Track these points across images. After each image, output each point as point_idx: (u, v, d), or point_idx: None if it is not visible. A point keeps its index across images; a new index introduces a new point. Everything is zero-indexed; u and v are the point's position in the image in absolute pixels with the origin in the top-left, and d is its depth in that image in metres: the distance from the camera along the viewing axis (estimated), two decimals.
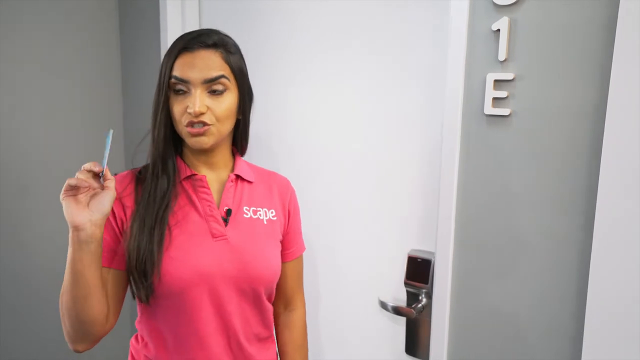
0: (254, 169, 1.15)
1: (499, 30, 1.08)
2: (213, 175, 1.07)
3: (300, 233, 1.20)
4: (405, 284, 1.37)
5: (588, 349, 1.01)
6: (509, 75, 1.08)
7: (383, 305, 1.36)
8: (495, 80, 1.10)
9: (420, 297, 1.35)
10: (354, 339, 1.52)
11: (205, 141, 0.98)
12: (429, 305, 1.31)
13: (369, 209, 1.44)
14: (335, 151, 1.47)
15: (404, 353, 1.41)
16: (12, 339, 1.67)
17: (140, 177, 1.03)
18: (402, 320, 1.40)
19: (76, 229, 0.86)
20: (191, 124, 0.96)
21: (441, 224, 1.20)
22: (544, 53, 1.05)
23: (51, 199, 1.69)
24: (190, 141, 0.98)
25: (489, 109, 1.11)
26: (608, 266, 0.98)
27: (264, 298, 1.07)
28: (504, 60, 1.09)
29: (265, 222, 1.08)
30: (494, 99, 1.11)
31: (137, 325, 1.09)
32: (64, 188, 0.87)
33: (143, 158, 1.06)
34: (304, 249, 1.21)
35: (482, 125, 1.13)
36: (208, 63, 0.96)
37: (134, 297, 0.98)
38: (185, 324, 0.99)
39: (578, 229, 1.04)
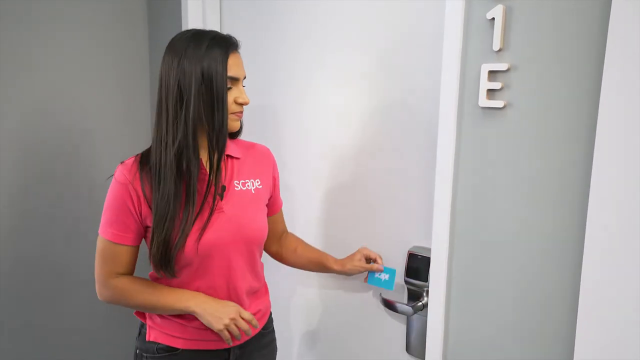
0: (238, 144, 1.29)
1: (493, 19, 1.04)
2: (207, 156, 1.18)
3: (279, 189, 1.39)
4: (406, 281, 1.35)
5: (580, 349, 0.95)
6: (503, 66, 1.04)
7: (384, 302, 1.34)
8: (490, 71, 1.06)
9: (421, 295, 1.32)
10: (355, 336, 1.51)
11: (240, 123, 1.20)
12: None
13: (369, 205, 1.42)
14: (337, 147, 1.47)
15: (405, 352, 1.39)
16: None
17: (143, 163, 1.16)
18: (404, 318, 1.38)
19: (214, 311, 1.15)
20: (238, 111, 1.17)
21: (436, 219, 1.17)
22: (539, 42, 1.00)
23: (78, 185, 1.80)
24: (235, 124, 1.18)
25: (483, 101, 1.07)
26: (600, 262, 0.92)
27: (256, 255, 1.27)
28: (499, 50, 1.05)
29: (253, 192, 1.25)
30: (489, 90, 1.07)
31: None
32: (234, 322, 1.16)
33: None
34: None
35: (477, 118, 1.10)
36: (242, 63, 1.18)
37: (158, 272, 1.15)
38: (194, 282, 1.19)
39: (574, 225, 0.99)
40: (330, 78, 1.46)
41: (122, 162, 1.17)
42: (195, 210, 1.13)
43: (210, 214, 1.16)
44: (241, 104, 1.17)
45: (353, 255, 1.37)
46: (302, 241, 1.44)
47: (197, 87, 1.09)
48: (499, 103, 1.05)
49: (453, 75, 1.10)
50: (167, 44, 1.15)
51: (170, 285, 1.21)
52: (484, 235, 1.11)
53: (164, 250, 1.11)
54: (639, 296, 0.88)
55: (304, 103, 1.54)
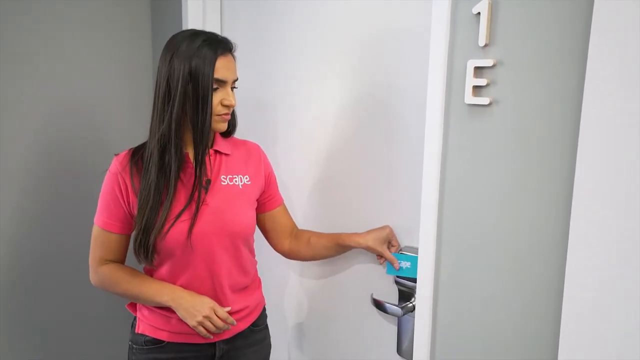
0: (230, 141, 1.32)
1: (479, 13, 1.02)
2: (193, 151, 1.22)
3: (277, 185, 1.40)
4: (396, 282, 1.33)
5: (564, 349, 0.93)
6: (488, 62, 1.02)
7: (374, 302, 1.32)
8: (476, 67, 1.04)
9: (412, 296, 1.30)
10: (346, 337, 1.49)
11: (226, 125, 1.22)
12: None
13: (357, 204, 1.41)
14: (327, 147, 1.46)
15: (396, 354, 1.37)
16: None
17: (135, 154, 1.22)
18: (396, 319, 1.36)
19: (185, 310, 1.18)
20: (224, 113, 1.19)
21: (423, 219, 1.15)
22: (525, 37, 0.97)
23: (82, 184, 1.82)
24: (219, 125, 1.20)
25: (469, 98, 1.05)
26: (583, 262, 0.89)
27: (243, 249, 1.27)
28: (485, 46, 1.02)
29: (240, 187, 1.27)
30: (475, 87, 1.04)
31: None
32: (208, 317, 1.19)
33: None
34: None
35: (463, 116, 1.07)
36: (234, 66, 1.20)
37: (138, 258, 1.20)
38: (179, 276, 1.22)
39: (559, 223, 0.96)
40: (332, 77, 1.45)
41: (116, 155, 1.24)
42: (177, 200, 1.17)
43: (192, 205, 1.18)
44: (227, 106, 1.18)
45: (377, 233, 1.29)
46: (314, 231, 1.42)
47: (183, 85, 1.12)
48: (484, 100, 1.03)
49: (439, 71, 1.08)
50: (167, 42, 1.19)
51: (157, 278, 1.24)
52: (471, 235, 1.09)
53: (142, 237, 1.15)
54: (623, 296, 0.85)
55: (304, 102, 1.53)
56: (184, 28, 1.73)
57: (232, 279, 1.26)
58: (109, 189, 1.21)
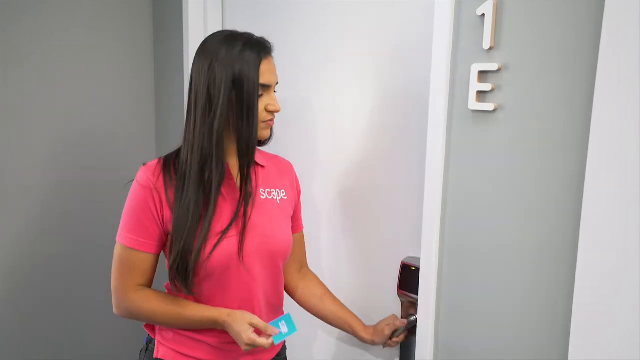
0: (262, 154, 1.22)
1: (484, 15, 0.97)
2: (235, 162, 1.12)
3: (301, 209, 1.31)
4: (399, 294, 1.28)
5: None
6: (493, 66, 0.97)
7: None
8: (480, 72, 0.99)
9: (416, 309, 1.25)
10: (348, 351, 1.45)
11: (269, 132, 1.13)
12: None
13: (361, 213, 1.37)
14: (326, 150, 1.42)
15: None
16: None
17: (167, 166, 1.10)
18: None
19: (236, 333, 1.05)
20: (269, 119, 1.10)
21: (426, 230, 1.10)
22: (532, 40, 0.92)
23: (84, 188, 1.81)
24: (264, 132, 1.11)
25: (473, 104, 1.00)
26: (594, 274, 0.84)
27: (281, 269, 1.18)
28: (489, 49, 0.98)
29: (278, 202, 1.18)
30: (479, 92, 1.00)
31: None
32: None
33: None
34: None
35: (467, 123, 1.02)
36: (275, 69, 1.11)
37: (174, 285, 1.08)
38: (212, 298, 1.11)
39: (568, 235, 0.90)
40: (336, 79, 1.41)
41: (144, 164, 1.11)
42: (217, 217, 1.07)
43: (238, 221, 1.09)
44: (272, 112, 1.10)
45: (382, 329, 1.25)
46: (328, 290, 1.32)
47: (226, 94, 1.03)
48: (489, 106, 0.98)
49: (442, 76, 1.04)
50: (199, 45, 1.09)
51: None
52: (475, 246, 1.04)
53: (181, 261, 1.04)
54: (635, 307, 0.80)
55: (306, 104, 1.49)
56: (185, 28, 1.70)
57: (268, 301, 1.17)
58: (142, 204, 1.07)
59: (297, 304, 1.32)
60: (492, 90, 0.98)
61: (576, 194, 0.88)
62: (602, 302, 0.83)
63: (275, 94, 1.11)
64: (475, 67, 0.99)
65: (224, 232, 1.07)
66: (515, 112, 0.95)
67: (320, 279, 1.34)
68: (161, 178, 1.08)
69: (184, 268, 1.04)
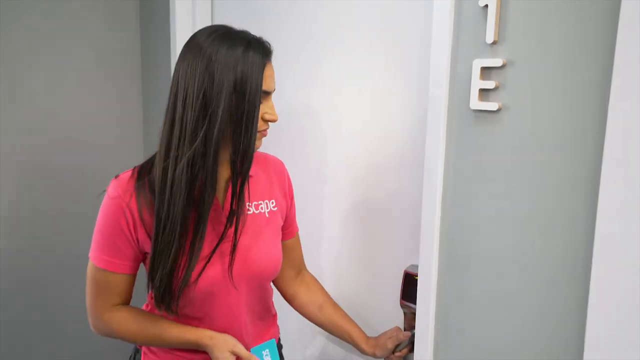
0: None
1: (487, 6, 0.89)
2: (220, 174, 1.02)
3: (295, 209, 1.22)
4: (402, 305, 1.20)
5: None
6: (497, 62, 0.88)
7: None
8: (483, 68, 0.91)
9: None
10: (347, 355, 1.38)
11: (261, 142, 1.02)
12: None
13: (363, 219, 1.29)
14: (328, 158, 1.35)
15: None
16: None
17: (141, 179, 0.98)
18: None
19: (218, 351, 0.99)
20: (264, 129, 0.99)
21: (424, 238, 1.02)
22: (540, 33, 0.83)
23: (72, 193, 1.75)
24: (258, 143, 1.00)
25: (475, 103, 0.92)
26: (609, 286, 0.76)
27: (268, 286, 1.12)
28: (493, 43, 0.89)
29: (267, 215, 1.08)
30: (481, 90, 0.91)
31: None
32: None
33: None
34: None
35: (468, 123, 0.94)
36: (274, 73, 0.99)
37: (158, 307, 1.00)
38: (199, 316, 1.04)
39: (581, 247, 0.82)
40: (327, 79, 1.34)
41: (116, 177, 0.99)
42: (206, 242, 0.98)
43: (225, 244, 1.00)
44: (269, 121, 0.99)
45: (385, 342, 1.18)
46: (329, 296, 1.24)
47: (227, 99, 0.90)
48: (492, 105, 0.89)
49: (441, 73, 0.95)
50: (187, 41, 0.96)
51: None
52: (478, 257, 0.95)
53: (167, 285, 0.96)
54: None
55: (297, 105, 1.42)
56: (172, 30, 1.63)
57: (253, 313, 1.10)
58: (114, 224, 0.97)
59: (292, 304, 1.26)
60: (495, 88, 0.89)
61: (590, 203, 0.80)
62: (619, 321, 0.75)
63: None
64: (478, 63, 0.90)
65: (211, 256, 0.98)
66: (522, 112, 0.87)
67: (321, 283, 1.27)
68: (134, 196, 0.97)
69: (168, 294, 0.97)
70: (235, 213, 0.98)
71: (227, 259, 1.00)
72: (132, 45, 1.84)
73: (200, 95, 0.90)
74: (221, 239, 0.98)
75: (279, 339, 1.23)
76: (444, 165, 0.97)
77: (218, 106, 0.90)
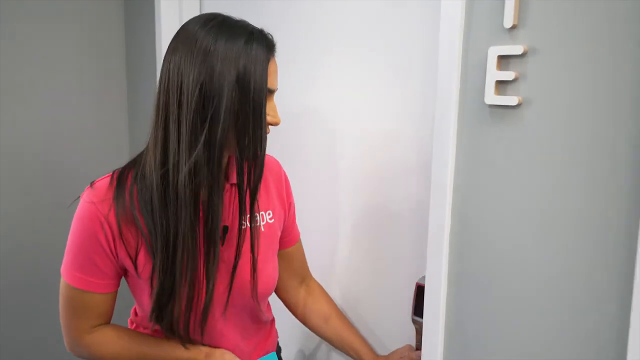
0: None
1: None
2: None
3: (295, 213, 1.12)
4: (413, 320, 1.09)
5: None
6: (517, 49, 0.75)
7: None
8: (500, 57, 0.78)
9: None
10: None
11: None
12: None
13: (373, 227, 1.17)
14: (316, 154, 1.24)
15: None
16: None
17: (121, 188, 0.86)
18: None
19: None
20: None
21: (431, 250, 0.90)
22: (567, 16, 0.71)
23: (53, 200, 1.67)
24: None
25: (491, 98, 0.79)
26: None
27: (263, 306, 1.03)
28: (512, 28, 0.76)
29: (262, 229, 0.98)
30: (498, 82, 0.79)
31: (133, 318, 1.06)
32: None
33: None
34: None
35: (482, 121, 0.82)
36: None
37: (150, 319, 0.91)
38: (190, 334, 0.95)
39: (617, 269, 0.69)
40: (322, 84, 1.22)
41: (92, 184, 0.87)
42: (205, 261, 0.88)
43: (223, 266, 0.91)
44: (270, 125, 0.87)
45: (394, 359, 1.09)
46: (336, 307, 1.15)
47: (229, 96, 0.79)
48: (512, 99, 0.77)
49: (451, 62, 0.83)
50: (177, 32, 0.84)
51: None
52: (492, 273, 0.83)
53: (186, 320, 0.87)
54: None
55: (289, 106, 1.31)
56: (157, 29, 1.52)
57: (246, 333, 1.02)
58: (88, 237, 0.86)
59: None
60: (515, 80, 0.77)
61: (632, 212, 0.67)
62: None
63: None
64: (494, 51, 0.78)
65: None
66: (546, 107, 0.74)
67: (328, 292, 1.18)
68: (113, 208, 0.85)
69: (185, 327, 0.89)
70: (251, 230, 0.90)
71: (217, 282, 0.90)
72: (117, 44, 1.76)
73: (197, 91, 0.79)
74: (236, 261, 0.89)
75: (278, 342, 1.16)
76: (454, 170, 0.85)
77: (220, 104, 0.79)
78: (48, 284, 1.44)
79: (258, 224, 0.97)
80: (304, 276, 1.16)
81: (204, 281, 0.87)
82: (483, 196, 0.82)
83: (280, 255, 1.07)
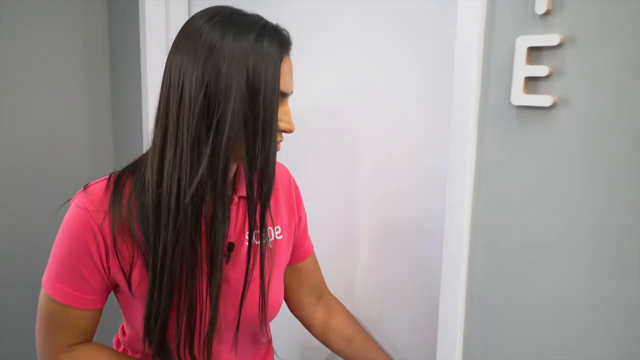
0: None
1: None
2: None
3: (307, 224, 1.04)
4: None
5: None
6: (552, 39, 0.64)
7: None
8: (530, 48, 0.66)
9: None
10: None
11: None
12: None
13: (391, 241, 1.06)
14: (340, 162, 1.13)
15: None
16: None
17: (117, 195, 0.77)
18: None
19: None
20: (279, 141, 0.80)
21: (445, 270, 0.78)
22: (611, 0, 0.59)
23: (39, 199, 1.60)
24: None
25: (519, 97, 0.68)
26: None
27: (264, 329, 0.94)
28: (545, 14, 0.65)
29: (270, 247, 0.90)
30: (528, 79, 0.67)
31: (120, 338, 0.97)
32: None
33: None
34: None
35: (508, 125, 0.70)
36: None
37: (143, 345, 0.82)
38: None
39: None
40: (318, 87, 1.11)
41: (84, 188, 0.78)
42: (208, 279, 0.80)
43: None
44: (283, 132, 0.79)
45: None
46: (359, 326, 1.06)
47: (237, 100, 0.70)
48: (544, 99, 0.65)
49: (472, 55, 0.71)
50: (182, 27, 0.75)
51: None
52: (518, 299, 0.71)
53: (184, 341, 0.79)
54: None
55: (309, 111, 1.19)
56: (142, 30, 1.39)
57: (244, 357, 0.95)
58: (79, 248, 0.77)
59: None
60: (549, 76, 0.65)
61: None
62: None
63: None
64: (523, 41, 0.66)
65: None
66: (586, 108, 0.63)
67: (348, 309, 1.08)
68: (109, 218, 0.76)
69: (191, 347, 0.80)
70: (261, 248, 0.82)
71: (224, 303, 0.82)
72: (101, 43, 1.68)
73: (201, 95, 0.70)
74: (246, 282, 0.81)
75: None
76: (474, 182, 0.73)
77: (226, 109, 0.71)
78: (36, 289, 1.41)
79: (268, 240, 0.88)
80: (321, 292, 1.07)
81: (207, 302, 0.78)
82: (507, 213, 0.70)
83: (293, 270, 1.00)
